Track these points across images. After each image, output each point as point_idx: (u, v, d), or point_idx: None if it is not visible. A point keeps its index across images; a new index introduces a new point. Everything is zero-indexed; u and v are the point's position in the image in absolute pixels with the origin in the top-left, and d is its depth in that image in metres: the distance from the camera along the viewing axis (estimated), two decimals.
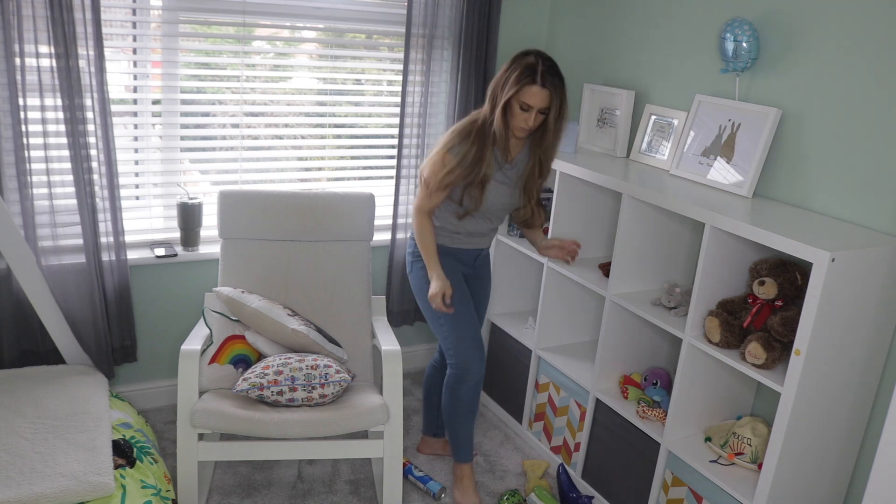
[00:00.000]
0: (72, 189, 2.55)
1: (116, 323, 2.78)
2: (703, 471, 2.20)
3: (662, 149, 2.72)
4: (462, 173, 2.30)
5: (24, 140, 2.45)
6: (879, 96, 2.04)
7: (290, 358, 2.39)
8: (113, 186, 2.62)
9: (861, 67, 2.09)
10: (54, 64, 2.41)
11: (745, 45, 2.31)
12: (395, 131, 3.22)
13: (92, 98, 2.50)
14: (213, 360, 2.47)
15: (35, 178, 2.51)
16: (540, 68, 2.18)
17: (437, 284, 2.38)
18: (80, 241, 2.61)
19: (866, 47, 2.07)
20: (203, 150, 3.01)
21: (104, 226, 2.65)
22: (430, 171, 2.34)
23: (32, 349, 2.67)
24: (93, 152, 2.56)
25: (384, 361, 2.44)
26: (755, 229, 1.98)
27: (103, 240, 2.66)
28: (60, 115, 2.47)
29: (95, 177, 2.58)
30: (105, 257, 2.67)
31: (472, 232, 2.50)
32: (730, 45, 2.34)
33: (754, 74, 2.40)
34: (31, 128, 2.46)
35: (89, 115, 2.52)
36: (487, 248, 2.64)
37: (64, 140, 2.50)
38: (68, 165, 2.53)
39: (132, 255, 2.83)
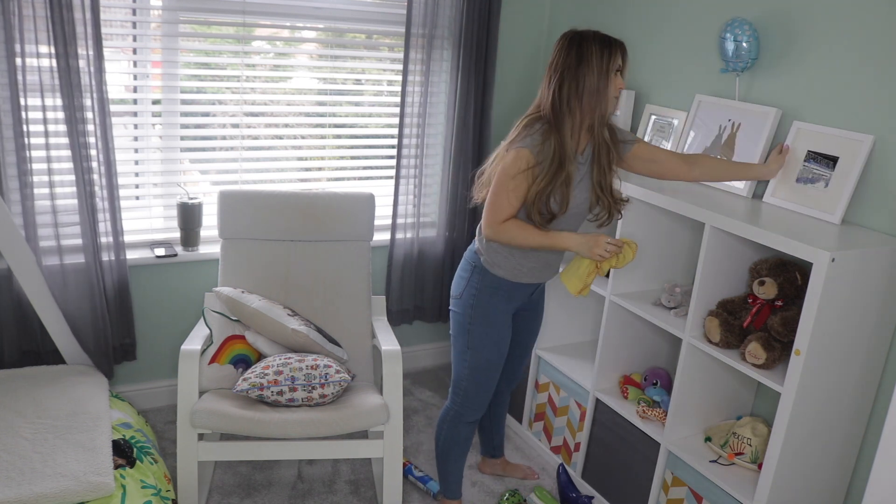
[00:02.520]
0: (72, 189, 2.55)
1: (116, 322, 2.78)
2: (703, 471, 2.20)
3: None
4: (545, 172, 2.01)
5: (25, 140, 2.45)
6: (879, 96, 2.04)
7: (290, 358, 2.39)
8: (112, 186, 2.62)
9: (861, 67, 2.09)
10: (54, 64, 2.41)
11: (745, 44, 2.31)
12: (395, 131, 3.22)
13: (91, 98, 2.51)
14: (213, 360, 2.47)
15: (36, 179, 2.51)
16: (600, 32, 2.02)
17: (582, 241, 2.06)
18: (79, 241, 2.61)
19: (866, 47, 2.07)
20: (203, 150, 3.01)
21: (103, 226, 2.65)
22: (506, 172, 2.02)
23: (33, 349, 2.67)
24: (92, 152, 2.56)
25: (384, 361, 2.44)
26: (755, 229, 1.98)
27: (103, 240, 2.66)
28: (60, 115, 2.48)
29: (95, 177, 2.59)
30: (105, 257, 2.67)
31: (549, 262, 2.23)
32: (730, 46, 2.34)
33: (754, 75, 2.40)
34: (32, 128, 2.46)
35: (88, 115, 2.52)
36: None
37: (64, 140, 2.50)
38: (68, 165, 2.53)
39: (132, 255, 2.83)
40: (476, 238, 2.26)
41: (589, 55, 1.98)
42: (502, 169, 2.04)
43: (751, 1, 2.39)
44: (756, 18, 2.36)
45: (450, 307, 2.32)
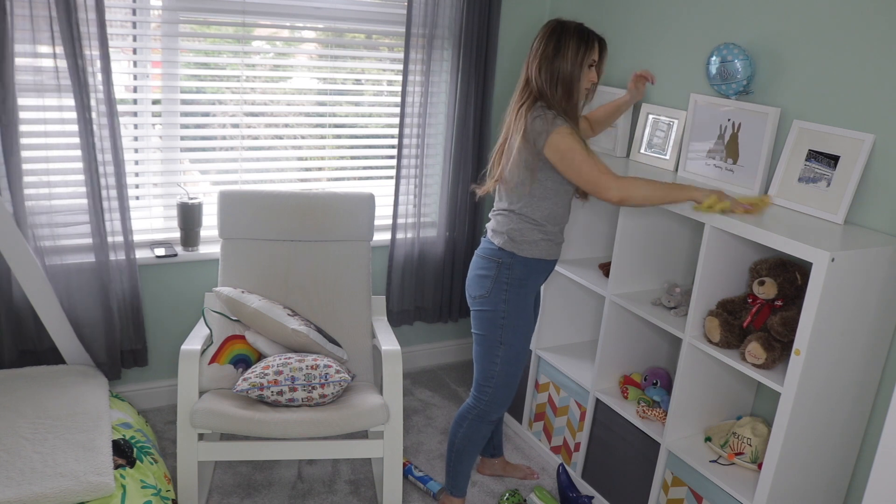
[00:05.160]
0: (82, 189, 2.57)
1: (128, 326, 2.78)
2: (703, 471, 2.20)
3: (663, 148, 2.72)
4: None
5: (30, 140, 2.45)
6: (879, 94, 2.04)
7: (290, 358, 2.39)
8: (121, 186, 2.63)
9: (861, 66, 2.09)
10: (58, 64, 2.42)
11: (737, 63, 2.33)
12: (395, 131, 3.22)
13: (96, 98, 2.51)
14: (213, 360, 2.47)
15: (40, 178, 2.51)
16: (586, 28, 2.18)
17: (708, 193, 2.09)
18: (88, 241, 2.62)
19: (866, 46, 2.07)
20: (203, 150, 3.01)
21: (111, 225, 2.65)
22: (569, 148, 2.09)
23: (29, 349, 2.67)
24: (98, 154, 2.56)
25: (384, 361, 2.44)
26: (755, 229, 1.98)
27: (112, 239, 2.66)
28: (66, 115, 2.48)
29: (102, 178, 2.59)
30: (118, 256, 2.68)
31: (563, 231, 2.34)
32: (713, 68, 2.39)
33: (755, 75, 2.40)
34: (37, 128, 2.47)
35: (93, 115, 2.52)
36: None
37: (71, 140, 2.52)
38: (78, 165, 2.55)
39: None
40: (494, 233, 2.27)
41: (566, 48, 2.13)
42: (565, 150, 2.09)
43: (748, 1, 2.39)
44: (754, 19, 2.36)
45: (474, 308, 2.32)
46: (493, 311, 2.27)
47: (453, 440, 2.46)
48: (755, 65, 2.35)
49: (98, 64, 2.48)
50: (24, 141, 2.46)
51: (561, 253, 2.42)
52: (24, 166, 2.47)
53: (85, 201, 2.59)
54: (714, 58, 2.40)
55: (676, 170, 2.65)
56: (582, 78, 2.16)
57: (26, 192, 2.49)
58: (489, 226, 2.33)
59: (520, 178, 2.18)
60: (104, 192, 2.60)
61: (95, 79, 2.49)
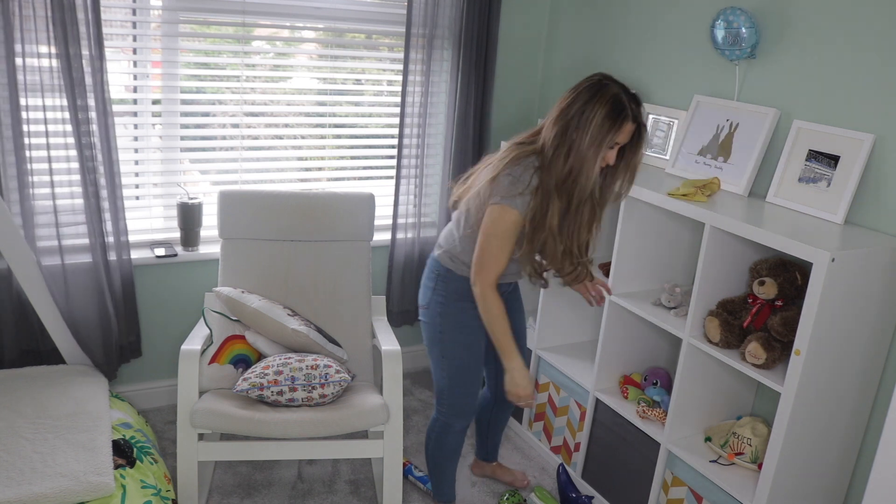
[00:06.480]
0: (77, 189, 2.56)
1: (123, 321, 2.78)
2: (703, 471, 2.20)
3: (663, 148, 2.72)
4: (532, 227, 1.98)
5: (26, 140, 2.45)
6: (879, 94, 2.04)
7: (290, 358, 2.39)
8: (116, 186, 2.63)
9: (861, 65, 2.09)
10: (54, 64, 2.41)
11: (743, 31, 2.32)
12: (395, 131, 3.22)
13: (95, 98, 2.51)
14: (213, 360, 2.47)
15: (37, 178, 2.51)
16: (627, 101, 1.92)
17: (524, 381, 2.07)
18: (84, 241, 2.61)
19: (866, 45, 2.07)
20: (203, 150, 3.01)
21: (107, 225, 2.65)
22: (494, 229, 1.96)
23: (32, 349, 2.67)
24: (96, 153, 2.56)
25: (384, 361, 2.44)
26: (755, 229, 1.98)
27: (108, 239, 2.66)
28: (63, 115, 2.48)
29: (98, 177, 2.59)
30: (111, 257, 2.68)
31: (514, 271, 2.20)
32: (719, 33, 2.37)
33: (754, 73, 2.39)
34: (33, 128, 2.46)
35: (92, 114, 2.52)
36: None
37: (68, 140, 2.51)
38: (74, 165, 2.54)
39: (132, 254, 2.82)
40: (440, 246, 2.25)
41: (590, 120, 1.89)
42: (489, 224, 1.98)
43: None
44: (753, 9, 2.36)
45: (419, 318, 2.32)
46: (430, 324, 2.26)
47: (426, 451, 2.46)
48: (759, 32, 2.34)
49: (93, 64, 2.47)
50: (24, 141, 2.46)
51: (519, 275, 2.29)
52: (25, 166, 2.47)
53: (82, 201, 2.58)
54: (719, 21, 2.38)
55: (670, 168, 2.65)
56: (598, 156, 1.91)
57: (26, 192, 2.49)
58: (441, 234, 2.28)
59: (465, 217, 2.10)
60: (101, 193, 2.60)
61: (91, 78, 2.48)
